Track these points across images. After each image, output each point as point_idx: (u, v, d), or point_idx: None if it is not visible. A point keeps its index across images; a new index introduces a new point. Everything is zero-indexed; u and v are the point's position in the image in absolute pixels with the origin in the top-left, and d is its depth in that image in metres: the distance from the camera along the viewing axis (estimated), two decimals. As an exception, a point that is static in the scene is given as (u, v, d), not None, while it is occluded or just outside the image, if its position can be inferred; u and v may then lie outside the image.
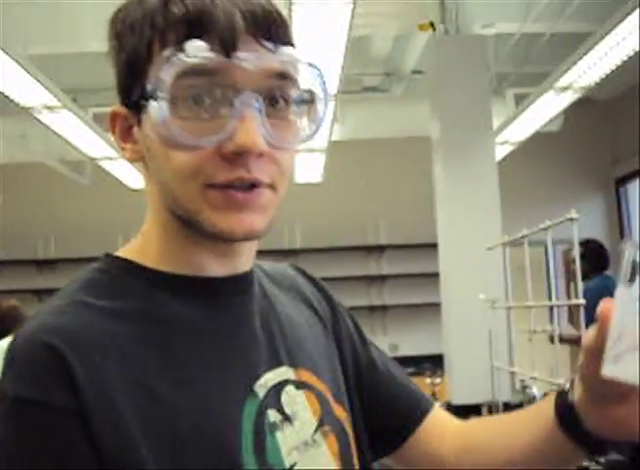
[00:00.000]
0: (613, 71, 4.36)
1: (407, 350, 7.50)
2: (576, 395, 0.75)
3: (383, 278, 7.83)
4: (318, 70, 0.73)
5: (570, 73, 4.31)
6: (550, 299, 3.18)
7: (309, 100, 0.75)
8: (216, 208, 0.69)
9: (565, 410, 0.76)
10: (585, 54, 3.97)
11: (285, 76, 0.71)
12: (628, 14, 3.48)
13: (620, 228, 8.36)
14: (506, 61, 6.15)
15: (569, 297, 8.45)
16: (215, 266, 0.76)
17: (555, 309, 2.63)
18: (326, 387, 0.83)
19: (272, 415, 0.73)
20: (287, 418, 0.75)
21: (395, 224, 7.86)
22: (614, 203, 8.39)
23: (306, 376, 0.80)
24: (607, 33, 3.68)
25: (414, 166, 6.56)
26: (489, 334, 3.22)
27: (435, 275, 4.66)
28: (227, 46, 0.67)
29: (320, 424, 0.78)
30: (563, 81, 4.47)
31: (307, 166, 6.26)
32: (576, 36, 4.63)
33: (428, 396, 0.99)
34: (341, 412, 0.83)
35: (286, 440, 0.73)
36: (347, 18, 3.15)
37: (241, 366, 0.74)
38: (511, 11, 5.19)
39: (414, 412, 0.93)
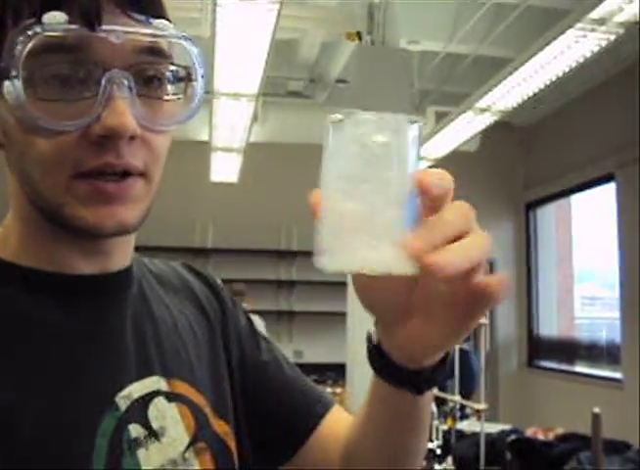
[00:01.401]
0: (530, 98, 4.48)
1: (312, 357, 7.50)
2: (378, 334, 0.69)
3: (292, 284, 7.82)
4: (194, 44, 0.66)
5: (489, 96, 4.41)
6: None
7: (185, 78, 0.66)
8: (83, 200, 0.62)
9: (374, 355, 0.70)
10: (505, 78, 4.06)
11: (157, 52, 0.64)
12: (547, 44, 3.58)
13: (527, 252, 8.59)
14: (429, 78, 6.24)
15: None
16: (82, 264, 0.68)
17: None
18: (205, 400, 0.75)
19: (135, 431, 0.65)
20: (153, 434, 0.67)
21: (309, 231, 7.80)
22: (522, 226, 8.61)
23: (181, 387, 0.73)
24: (526, 61, 3.78)
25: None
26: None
27: (344, 284, 4.66)
28: (90, 17, 0.59)
29: (193, 441, 0.71)
30: (482, 103, 4.56)
31: (223, 166, 6.20)
32: (499, 61, 4.74)
33: (327, 397, 0.90)
34: (222, 427, 0.76)
35: (149, 458, 0.65)
36: (273, 18, 3.12)
37: (101, 374, 0.66)
38: (438, 30, 5.26)
39: (305, 421, 0.85)
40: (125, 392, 0.66)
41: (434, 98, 6.41)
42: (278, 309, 7.75)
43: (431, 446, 3.22)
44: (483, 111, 4.72)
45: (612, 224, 6.73)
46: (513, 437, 2.65)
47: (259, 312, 7.18)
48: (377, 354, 0.69)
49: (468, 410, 3.64)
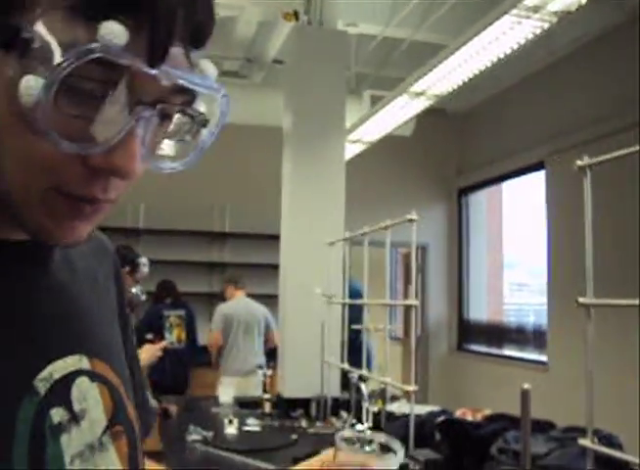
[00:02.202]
0: (465, 84, 4.51)
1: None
2: None
3: (224, 266, 7.75)
4: (227, 101, 0.62)
5: (424, 80, 4.42)
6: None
7: (200, 123, 0.63)
8: (53, 212, 0.57)
9: None
10: (440, 63, 4.08)
11: (189, 95, 0.59)
12: (482, 30, 3.60)
13: (459, 236, 8.71)
14: (366, 62, 6.25)
15: (405, 298, 8.74)
16: (9, 230, 0.62)
17: (389, 309, 2.67)
18: (120, 381, 0.71)
19: (57, 415, 0.60)
20: (74, 417, 0.62)
21: (241, 213, 7.81)
22: (455, 211, 8.72)
23: (101, 367, 0.68)
24: (461, 46, 3.80)
25: (266, 156, 6.51)
26: (322, 329, 3.23)
27: (277, 267, 4.63)
28: (156, 56, 0.53)
29: (110, 424, 0.67)
30: (417, 87, 4.57)
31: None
32: (435, 46, 4.76)
33: (153, 410, 0.90)
34: (132, 410, 0.73)
35: (70, 444, 0.60)
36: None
37: (20, 354, 0.60)
38: (376, 13, 5.26)
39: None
40: (45, 373, 0.61)
41: (370, 82, 6.42)
42: (210, 291, 7.68)
43: (361, 427, 3.24)
44: (418, 95, 4.73)
45: (541, 212, 6.87)
46: (442, 418, 2.67)
47: (191, 295, 7.12)
48: None
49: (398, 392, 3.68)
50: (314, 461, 0.84)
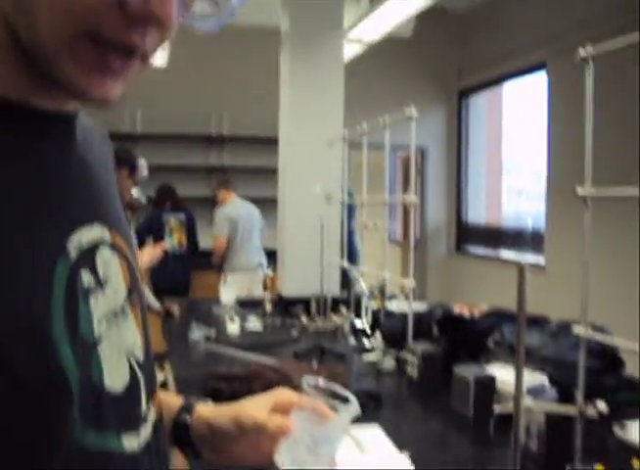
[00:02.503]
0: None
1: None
2: (200, 425, 0.93)
3: (223, 170, 7.73)
4: None
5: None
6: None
7: None
8: (82, 63, 0.56)
9: (180, 427, 0.94)
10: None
11: None
12: None
13: (459, 139, 8.66)
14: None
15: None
16: (45, 99, 0.61)
17: (389, 211, 2.68)
18: (133, 256, 0.74)
19: (86, 278, 0.62)
20: (99, 283, 0.65)
21: (240, 116, 7.73)
22: (455, 114, 8.64)
23: (119, 241, 0.71)
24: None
25: (263, 59, 6.39)
26: (321, 228, 3.25)
27: (276, 171, 4.62)
28: None
29: (129, 293, 0.70)
30: (418, -17, 4.44)
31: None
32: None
33: None
34: (143, 286, 0.76)
35: (98, 306, 0.63)
36: None
37: (53, 218, 0.61)
38: None
39: None
40: (75, 238, 0.62)
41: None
42: (209, 196, 7.68)
43: (360, 325, 3.30)
44: (419, -9, 4.60)
45: (541, 117, 6.80)
46: (440, 313, 2.72)
47: (191, 199, 7.12)
48: (183, 434, 0.94)
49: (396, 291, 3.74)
50: (267, 397, 0.93)
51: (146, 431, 0.69)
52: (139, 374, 0.70)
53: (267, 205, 6.37)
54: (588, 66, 1.69)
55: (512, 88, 7.90)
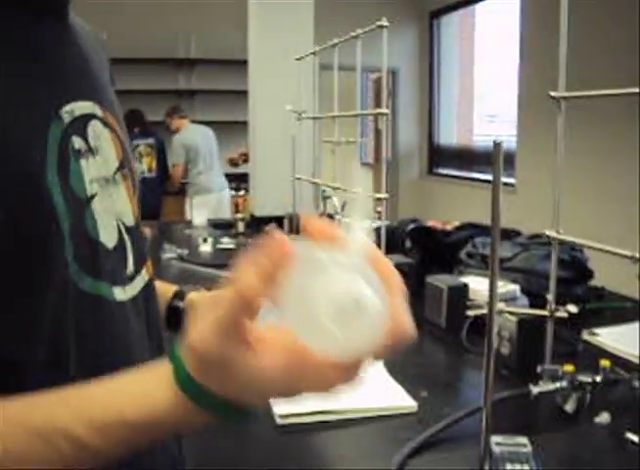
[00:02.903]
0: None
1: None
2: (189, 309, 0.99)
3: (192, 93, 7.59)
4: None
5: None
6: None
7: None
8: None
9: (173, 311, 1.02)
10: None
11: None
12: None
13: (430, 61, 8.56)
14: None
15: (376, 123, 8.69)
16: None
17: (359, 127, 2.64)
18: (125, 137, 0.81)
19: (77, 142, 0.67)
20: (90, 150, 0.70)
21: (208, 39, 7.57)
22: (426, 36, 8.52)
23: (112, 120, 0.76)
24: None
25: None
26: (293, 145, 3.21)
27: (244, 93, 4.54)
28: None
29: (121, 166, 0.76)
30: None
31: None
32: None
33: None
34: (133, 164, 0.83)
35: (89, 169, 0.68)
36: None
37: (49, 87, 0.65)
38: None
39: None
40: (68, 107, 0.67)
41: None
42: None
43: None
44: None
45: (513, 41, 6.74)
46: (412, 226, 2.73)
47: (159, 124, 7.01)
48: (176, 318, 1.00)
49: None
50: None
51: (133, 290, 0.74)
52: (126, 237, 0.75)
53: (239, 128, 6.30)
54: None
55: (484, 10, 7.79)
